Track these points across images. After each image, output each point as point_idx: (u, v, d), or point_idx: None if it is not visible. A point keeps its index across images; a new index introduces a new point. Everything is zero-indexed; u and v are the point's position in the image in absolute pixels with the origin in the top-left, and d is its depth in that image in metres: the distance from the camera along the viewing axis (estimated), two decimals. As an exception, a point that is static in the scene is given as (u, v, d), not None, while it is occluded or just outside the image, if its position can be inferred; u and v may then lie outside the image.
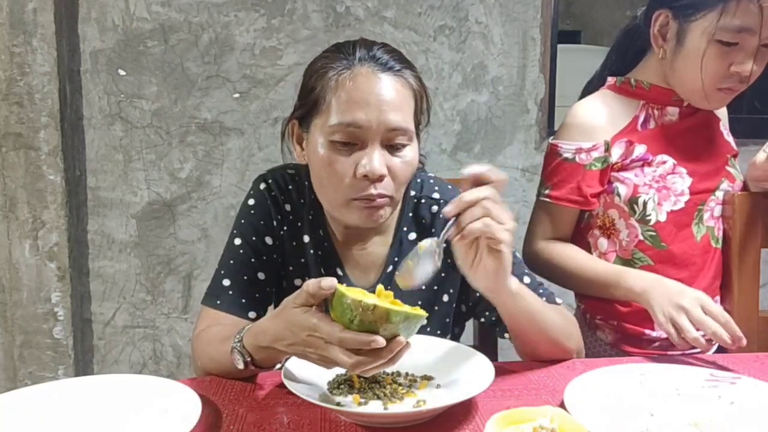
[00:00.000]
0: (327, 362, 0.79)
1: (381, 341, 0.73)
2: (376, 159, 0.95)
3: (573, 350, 1.02)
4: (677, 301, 1.08)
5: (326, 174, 0.98)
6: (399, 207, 1.10)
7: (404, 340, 0.76)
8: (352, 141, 0.96)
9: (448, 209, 0.83)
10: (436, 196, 1.10)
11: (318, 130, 0.98)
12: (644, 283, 1.16)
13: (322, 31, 1.97)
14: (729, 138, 1.36)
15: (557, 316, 1.00)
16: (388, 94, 0.95)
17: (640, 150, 1.24)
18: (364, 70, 0.96)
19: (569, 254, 1.28)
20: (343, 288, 0.76)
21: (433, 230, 1.09)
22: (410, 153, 0.99)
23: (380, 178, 0.95)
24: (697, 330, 1.04)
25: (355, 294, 0.75)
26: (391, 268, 1.08)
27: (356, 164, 0.95)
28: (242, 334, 0.89)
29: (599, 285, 1.24)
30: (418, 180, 1.12)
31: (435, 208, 1.09)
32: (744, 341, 1.02)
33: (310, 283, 0.77)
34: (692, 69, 1.19)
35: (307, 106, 1.01)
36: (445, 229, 0.84)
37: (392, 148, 0.97)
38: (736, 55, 1.17)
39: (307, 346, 0.79)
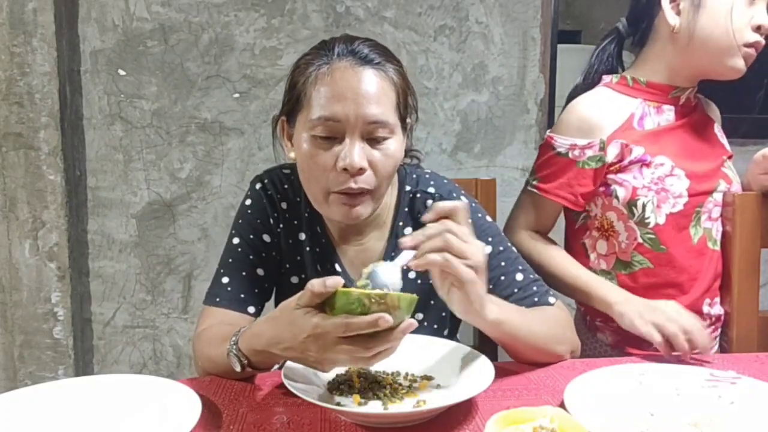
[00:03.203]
0: (325, 364, 0.79)
1: (389, 318, 0.72)
2: (355, 152, 0.95)
3: (564, 353, 1.02)
4: (657, 309, 1.10)
5: (308, 168, 0.99)
6: (395, 202, 1.11)
7: (415, 321, 0.76)
8: (332, 135, 0.96)
9: (405, 240, 0.81)
10: (431, 190, 1.11)
11: (301, 125, 1.00)
12: (619, 296, 1.18)
13: (322, 31, 1.96)
14: (723, 140, 1.36)
15: (544, 326, 0.99)
16: (365, 87, 0.95)
17: (638, 151, 1.24)
18: (342, 65, 0.97)
19: (551, 255, 1.29)
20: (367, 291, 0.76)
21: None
22: (392, 146, 0.99)
23: (360, 171, 0.96)
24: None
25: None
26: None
27: (336, 158, 0.96)
28: (237, 337, 0.89)
29: (575, 291, 1.25)
30: (414, 175, 1.12)
31: (430, 202, 1.10)
32: (710, 351, 1.03)
33: (315, 283, 0.75)
34: (722, 22, 1.18)
35: (292, 103, 1.02)
36: (400, 256, 0.82)
37: (373, 141, 0.97)
38: (757, 9, 1.19)
39: (306, 349, 0.78)
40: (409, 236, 0.82)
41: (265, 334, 0.83)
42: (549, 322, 1.00)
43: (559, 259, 1.29)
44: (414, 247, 0.81)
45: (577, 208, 1.29)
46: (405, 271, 0.85)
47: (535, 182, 1.31)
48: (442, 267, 0.81)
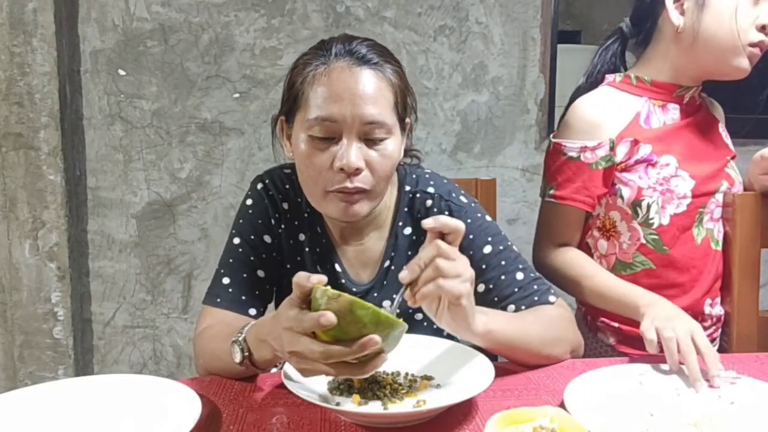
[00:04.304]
0: (294, 360, 0.77)
1: (331, 318, 0.70)
2: (352, 153, 0.95)
3: (562, 355, 1.01)
4: (673, 318, 1.03)
5: (305, 167, 0.99)
6: (394, 202, 1.11)
7: (378, 339, 0.72)
8: (329, 135, 0.96)
9: (403, 275, 0.82)
10: (431, 190, 1.10)
11: (299, 125, 1.00)
12: (646, 298, 1.13)
13: (322, 31, 1.96)
14: (727, 140, 1.36)
15: (540, 329, 0.99)
16: (362, 88, 0.95)
17: (645, 150, 1.23)
18: (340, 65, 0.97)
19: (576, 264, 1.26)
20: (325, 287, 0.74)
21: None
22: (390, 146, 0.99)
23: (356, 172, 0.96)
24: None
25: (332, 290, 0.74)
26: (387, 263, 1.08)
27: (333, 158, 0.96)
28: (246, 328, 0.89)
29: (608, 303, 1.21)
30: (414, 175, 1.12)
31: (429, 202, 1.09)
32: (717, 381, 0.92)
33: (300, 275, 0.76)
34: (726, 22, 1.17)
35: (290, 103, 1.02)
36: (400, 293, 0.83)
37: (370, 141, 0.97)
38: (762, 8, 1.18)
39: (282, 341, 0.77)
40: (406, 270, 0.81)
41: (267, 324, 0.84)
42: (545, 324, 1.00)
43: (585, 265, 1.25)
44: (413, 280, 0.81)
45: (593, 210, 1.28)
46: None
47: (551, 191, 1.28)
48: (438, 294, 0.81)
